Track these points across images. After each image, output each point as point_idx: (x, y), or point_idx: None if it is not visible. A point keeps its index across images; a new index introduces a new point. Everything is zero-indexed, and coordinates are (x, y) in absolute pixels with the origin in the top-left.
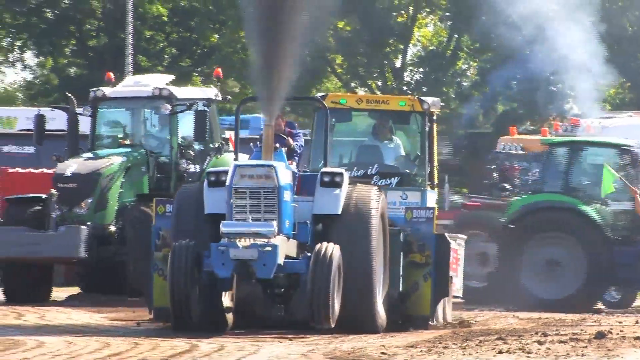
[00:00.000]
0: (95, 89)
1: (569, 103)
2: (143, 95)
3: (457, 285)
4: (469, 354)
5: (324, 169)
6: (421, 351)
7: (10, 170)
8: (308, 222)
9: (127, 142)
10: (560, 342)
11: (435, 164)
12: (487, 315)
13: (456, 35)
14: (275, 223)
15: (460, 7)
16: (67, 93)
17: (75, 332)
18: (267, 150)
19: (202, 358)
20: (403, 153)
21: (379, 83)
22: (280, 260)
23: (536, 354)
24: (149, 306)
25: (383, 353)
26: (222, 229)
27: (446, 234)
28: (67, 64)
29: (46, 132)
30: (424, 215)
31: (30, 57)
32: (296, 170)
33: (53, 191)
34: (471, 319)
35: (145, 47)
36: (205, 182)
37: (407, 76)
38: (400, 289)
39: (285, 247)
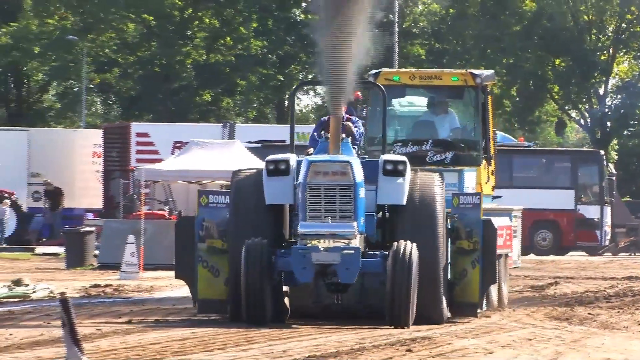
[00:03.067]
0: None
1: None
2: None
3: (513, 258)
4: None
5: (386, 157)
6: (618, 311)
7: None
8: (374, 213)
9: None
10: None
11: (491, 136)
12: None
13: None
14: (355, 223)
15: None
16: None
17: None
18: (335, 142)
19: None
20: (459, 126)
21: (587, 106)
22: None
23: None
24: (194, 298)
25: (589, 313)
26: (300, 229)
27: (492, 218)
28: None
29: None
30: (470, 201)
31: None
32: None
33: None
34: None
35: None
36: (264, 172)
37: (608, 101)
38: (449, 277)
39: (362, 246)
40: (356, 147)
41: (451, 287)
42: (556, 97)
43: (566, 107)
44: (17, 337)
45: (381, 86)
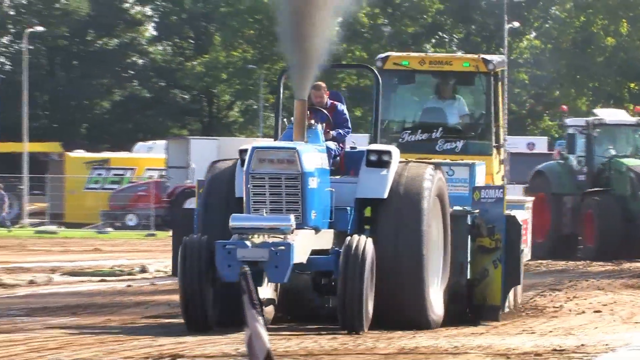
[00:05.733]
0: (595, 118)
1: None
2: (632, 124)
3: (525, 251)
4: None
5: (371, 147)
6: None
7: None
8: (349, 207)
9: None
10: None
11: (501, 123)
12: None
13: None
14: (292, 216)
15: None
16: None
17: None
18: (298, 128)
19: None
20: (467, 112)
21: None
22: (302, 258)
23: None
24: None
25: None
26: (231, 223)
27: (516, 211)
28: None
29: None
30: (493, 195)
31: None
32: (333, 148)
33: None
34: None
35: None
36: (238, 162)
37: None
38: (468, 277)
39: (312, 242)
40: (338, 133)
41: (470, 288)
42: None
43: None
44: None
45: (374, 70)
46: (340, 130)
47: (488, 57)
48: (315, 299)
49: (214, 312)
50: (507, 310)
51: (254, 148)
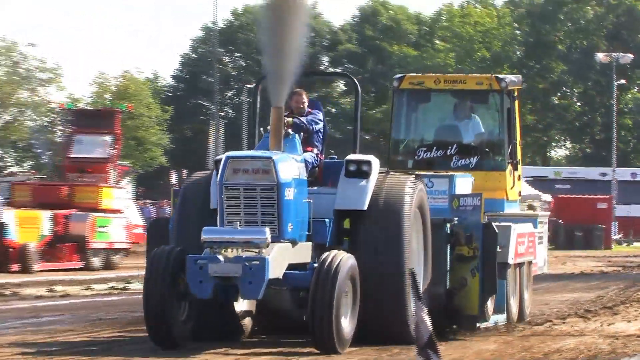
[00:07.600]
0: None
1: None
2: None
3: (539, 264)
4: None
5: (350, 157)
6: None
7: None
8: (327, 219)
9: None
10: None
11: (518, 141)
12: None
13: None
14: (268, 229)
15: None
16: None
17: None
18: (274, 136)
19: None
20: (483, 131)
21: None
22: (277, 274)
23: None
24: None
25: None
26: (203, 236)
27: (502, 223)
28: None
29: None
30: (470, 202)
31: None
32: (310, 159)
33: None
34: None
35: None
36: (214, 173)
37: None
38: (447, 286)
39: (289, 256)
40: (318, 144)
41: (450, 298)
42: None
43: None
44: None
45: (353, 78)
46: (308, 125)
47: (501, 75)
48: (291, 311)
49: (185, 327)
50: (503, 322)
51: (227, 157)
